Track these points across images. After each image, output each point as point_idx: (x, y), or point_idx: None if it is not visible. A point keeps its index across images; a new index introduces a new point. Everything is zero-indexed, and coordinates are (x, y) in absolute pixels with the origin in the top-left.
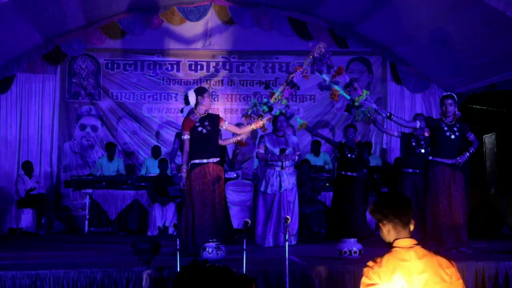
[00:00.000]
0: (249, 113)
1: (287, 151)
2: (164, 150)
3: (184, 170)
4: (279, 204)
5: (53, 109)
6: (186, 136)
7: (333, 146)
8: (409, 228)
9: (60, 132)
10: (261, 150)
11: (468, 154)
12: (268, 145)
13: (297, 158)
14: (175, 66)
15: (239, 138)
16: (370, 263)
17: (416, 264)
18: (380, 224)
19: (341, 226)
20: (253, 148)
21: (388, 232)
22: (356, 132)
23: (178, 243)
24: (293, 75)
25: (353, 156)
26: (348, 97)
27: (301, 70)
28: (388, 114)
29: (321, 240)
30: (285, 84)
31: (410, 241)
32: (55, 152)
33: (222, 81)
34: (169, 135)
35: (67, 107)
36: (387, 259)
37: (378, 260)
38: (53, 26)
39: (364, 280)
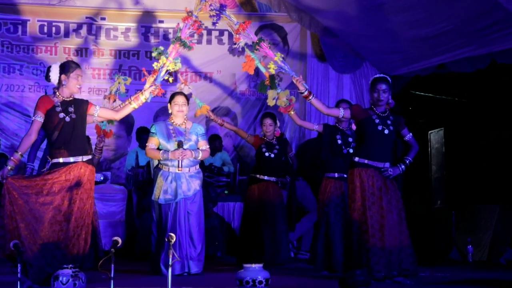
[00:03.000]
0: (112, 92)
1: (185, 146)
2: (4, 142)
3: (14, 159)
4: (174, 218)
5: None
6: (38, 118)
7: (248, 141)
8: None
9: None
10: (152, 145)
11: (403, 166)
12: (159, 137)
13: (200, 155)
14: (19, 27)
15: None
16: None
17: None
18: None
19: (252, 249)
20: (127, 141)
21: None
22: (277, 122)
23: (19, 269)
24: (181, 27)
25: (272, 155)
26: (264, 70)
27: (190, 20)
28: (308, 91)
29: (218, 266)
30: (172, 45)
31: None
32: None
33: (85, 50)
34: (10, 121)
35: None
36: None
37: None
38: None
39: None
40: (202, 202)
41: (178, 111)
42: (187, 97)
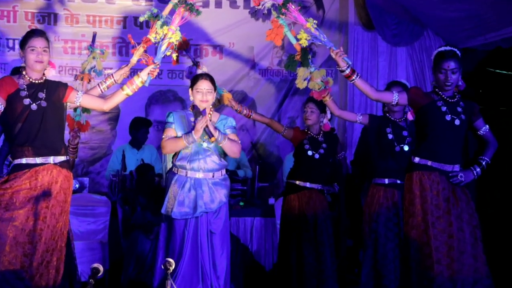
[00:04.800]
0: (86, 71)
1: (211, 144)
2: None
3: None
4: (195, 238)
5: None
6: None
7: (285, 136)
8: None
9: None
10: (171, 133)
11: (478, 170)
12: (178, 129)
13: (225, 140)
14: None
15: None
16: None
17: None
18: None
19: (292, 280)
20: (110, 137)
21: None
22: (326, 111)
23: None
24: None
25: (317, 156)
26: (295, 41)
27: None
28: (350, 68)
29: None
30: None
31: None
32: None
33: (54, 16)
34: None
35: None
36: None
37: None
38: None
39: None
40: (228, 219)
41: (202, 100)
42: (214, 82)
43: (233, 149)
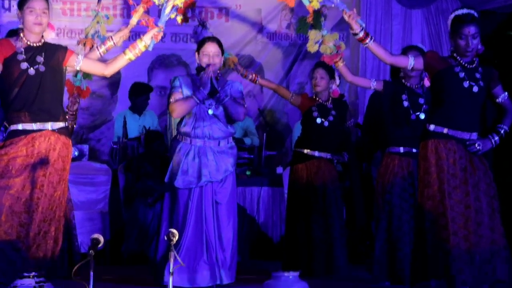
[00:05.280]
0: (89, 35)
1: (217, 110)
2: None
3: None
4: (200, 209)
5: None
6: None
7: (293, 103)
8: None
9: None
10: (178, 96)
11: (497, 138)
12: (185, 91)
13: (227, 96)
14: None
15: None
16: None
17: None
18: None
19: (300, 252)
20: (111, 103)
21: None
22: (335, 77)
23: None
24: None
25: (326, 123)
26: (308, 2)
27: None
28: (364, 31)
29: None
30: None
31: None
32: None
33: None
34: None
35: None
36: None
37: None
38: None
39: None
40: (235, 189)
41: (209, 63)
42: (221, 46)
43: (237, 110)
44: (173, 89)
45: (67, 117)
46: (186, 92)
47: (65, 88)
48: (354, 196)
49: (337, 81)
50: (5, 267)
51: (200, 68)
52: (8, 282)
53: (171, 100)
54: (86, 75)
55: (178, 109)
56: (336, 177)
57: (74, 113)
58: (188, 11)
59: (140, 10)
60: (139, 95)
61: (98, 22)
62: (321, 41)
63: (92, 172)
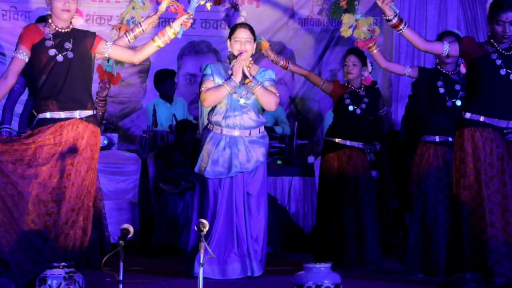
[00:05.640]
0: (124, 21)
1: (248, 100)
2: None
3: None
4: (230, 200)
5: None
6: (19, 55)
7: (324, 90)
8: None
9: None
10: (210, 84)
11: None
12: (217, 79)
13: (258, 87)
14: None
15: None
16: None
17: None
18: None
19: (331, 242)
20: (140, 91)
21: None
22: (366, 64)
23: None
24: None
25: (359, 111)
26: None
27: None
28: (398, 17)
29: (273, 266)
30: None
31: None
32: None
33: None
34: None
35: None
36: None
37: None
38: None
39: None
40: (266, 179)
41: (240, 50)
42: (253, 32)
43: (269, 99)
44: (205, 77)
45: (97, 103)
46: (218, 80)
47: (96, 74)
48: (386, 186)
49: (370, 68)
50: (34, 257)
51: (232, 56)
52: (38, 272)
53: (202, 88)
54: (118, 62)
55: (209, 98)
56: (368, 167)
57: (104, 99)
58: None
59: (169, 32)
60: (164, 81)
61: (133, 8)
62: (355, 26)
63: (122, 161)
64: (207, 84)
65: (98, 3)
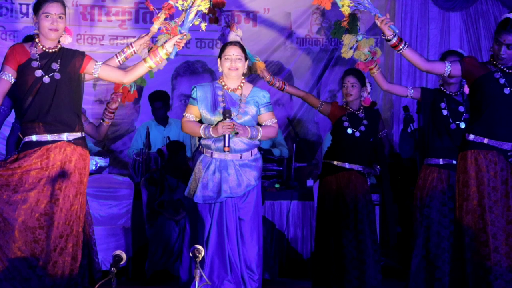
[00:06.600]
0: (159, 43)
1: (239, 120)
2: None
3: None
4: (221, 225)
5: None
6: (5, 76)
7: (322, 112)
8: None
9: None
10: (190, 116)
11: None
12: (201, 106)
13: (259, 133)
14: None
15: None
16: None
17: None
18: None
19: (330, 269)
20: (134, 113)
21: None
22: (366, 84)
23: None
24: None
25: (358, 134)
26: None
27: None
28: (397, 37)
29: None
30: None
31: None
32: None
33: None
34: None
35: None
36: None
37: None
38: None
39: None
40: (260, 203)
41: (231, 68)
42: (244, 50)
43: (269, 136)
44: (190, 102)
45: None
46: (202, 109)
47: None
48: (387, 210)
49: (369, 88)
50: (21, 286)
51: (226, 110)
52: None
53: (184, 114)
54: (141, 80)
55: (186, 130)
56: (368, 190)
57: (113, 111)
58: (217, 11)
59: (161, 17)
60: (153, 102)
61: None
62: (356, 47)
63: (114, 185)
64: (190, 111)
65: (90, 22)
